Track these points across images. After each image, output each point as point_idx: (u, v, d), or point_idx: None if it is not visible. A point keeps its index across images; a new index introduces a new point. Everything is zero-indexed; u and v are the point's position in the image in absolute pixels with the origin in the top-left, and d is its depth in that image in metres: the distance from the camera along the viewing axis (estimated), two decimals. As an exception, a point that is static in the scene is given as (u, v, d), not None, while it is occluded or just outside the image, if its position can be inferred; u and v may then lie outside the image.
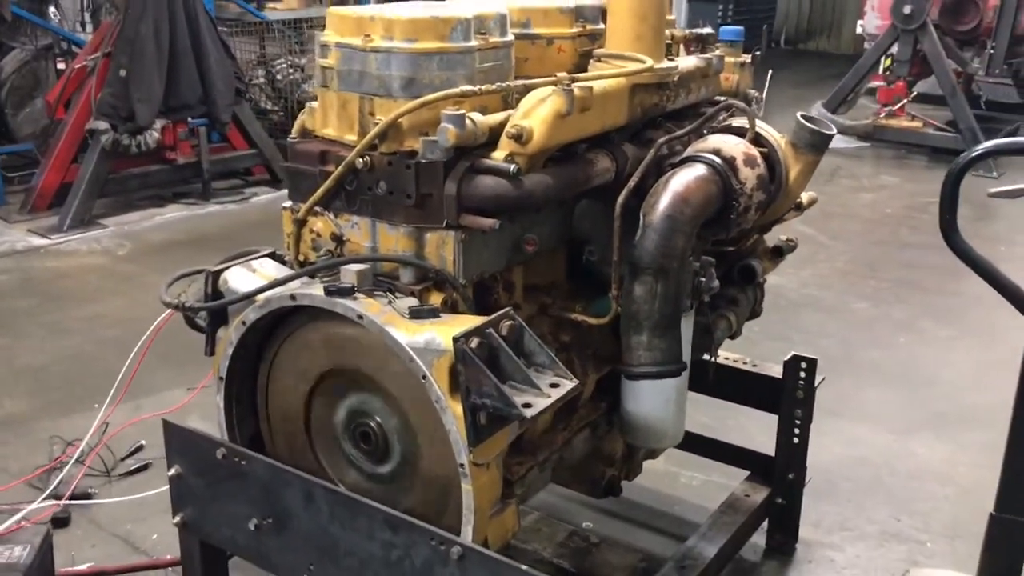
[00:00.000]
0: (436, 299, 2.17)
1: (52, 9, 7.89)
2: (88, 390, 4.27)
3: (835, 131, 2.46)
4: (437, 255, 2.16)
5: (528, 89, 2.17)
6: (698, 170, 2.29)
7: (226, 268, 2.31)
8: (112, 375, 2.93)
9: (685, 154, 2.39)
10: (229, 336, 2.28)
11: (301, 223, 2.29)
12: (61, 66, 7.63)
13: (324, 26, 2.24)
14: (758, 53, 3.13)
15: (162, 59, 6.57)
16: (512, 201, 2.09)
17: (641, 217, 2.22)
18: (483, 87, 2.10)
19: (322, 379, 2.28)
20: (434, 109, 2.07)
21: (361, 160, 2.13)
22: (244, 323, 2.24)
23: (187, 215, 7.06)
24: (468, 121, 2.05)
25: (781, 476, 3.24)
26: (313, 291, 2.13)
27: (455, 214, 2.10)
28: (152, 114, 6.63)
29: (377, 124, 2.09)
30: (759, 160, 2.37)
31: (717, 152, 2.34)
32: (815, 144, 2.44)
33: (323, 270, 2.18)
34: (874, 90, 9.56)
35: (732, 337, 2.89)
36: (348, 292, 2.08)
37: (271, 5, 8.61)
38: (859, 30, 9.91)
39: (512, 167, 2.07)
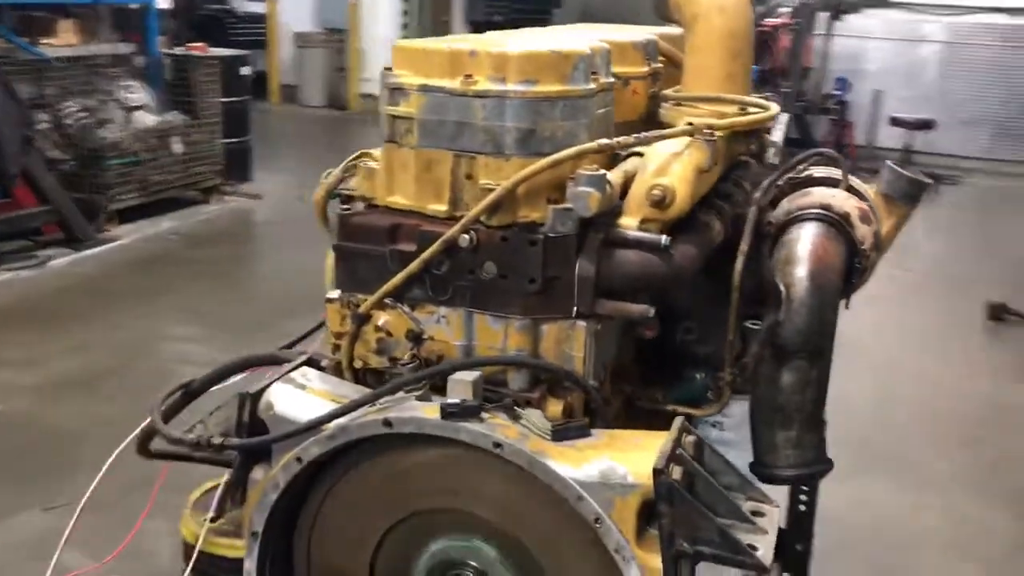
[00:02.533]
0: (555, 408, 1.70)
1: None
2: None
3: (931, 180, 2.22)
4: (557, 352, 1.69)
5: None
6: (821, 230, 1.97)
7: (265, 387, 1.71)
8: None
9: (787, 210, 2.05)
10: (273, 478, 1.68)
11: (363, 319, 1.74)
12: None
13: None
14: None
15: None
16: (661, 280, 1.68)
17: (783, 290, 1.86)
18: (620, 140, 1.67)
19: (396, 526, 1.74)
20: (558, 169, 1.62)
21: (466, 236, 1.63)
22: (300, 460, 1.66)
23: (-31, 288, 5.96)
24: (607, 184, 1.62)
25: (789, 548, 2.98)
26: (414, 412, 1.60)
27: (590, 300, 1.65)
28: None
29: (490, 190, 1.61)
30: (871, 215, 2.08)
31: (829, 208, 2.03)
32: (912, 195, 2.18)
33: (417, 382, 1.66)
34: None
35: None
36: (474, 412, 1.57)
37: (46, 41, 7.53)
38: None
39: (663, 239, 1.66)
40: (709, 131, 1.74)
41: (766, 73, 9.60)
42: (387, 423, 1.60)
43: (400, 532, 1.75)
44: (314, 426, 1.62)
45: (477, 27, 15.06)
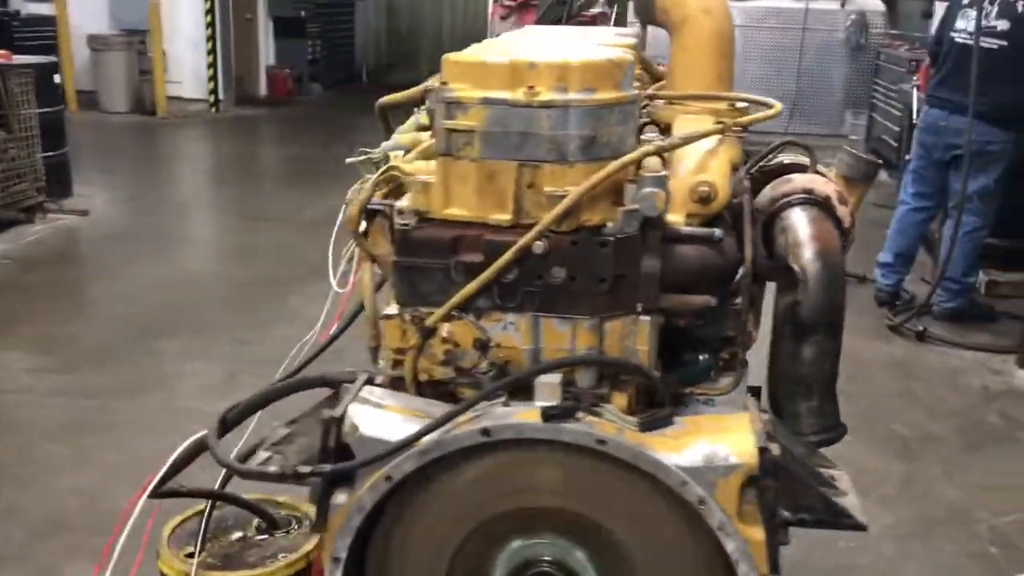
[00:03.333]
0: (621, 401, 1.78)
1: None
2: None
3: (881, 161, 2.44)
4: (620, 347, 1.77)
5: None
6: (813, 213, 2.13)
7: (344, 410, 1.68)
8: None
9: (772, 197, 2.21)
10: (358, 499, 1.67)
11: (430, 332, 1.75)
12: None
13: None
14: None
15: None
16: (718, 271, 1.79)
17: (797, 271, 2.01)
18: (671, 141, 1.76)
19: (476, 531, 1.77)
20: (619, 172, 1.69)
21: (540, 243, 1.68)
22: (390, 478, 1.65)
23: None
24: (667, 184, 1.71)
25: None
26: (510, 419, 1.63)
27: (655, 296, 1.73)
28: None
29: (559, 196, 1.66)
30: (846, 196, 2.27)
31: (812, 192, 2.20)
32: (869, 175, 2.39)
33: (503, 389, 1.69)
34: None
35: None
36: (571, 413, 1.62)
37: None
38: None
39: (716, 232, 1.77)
40: (739, 128, 1.86)
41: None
42: (485, 432, 1.63)
43: (479, 537, 1.77)
44: (410, 443, 1.63)
45: (281, 22, 14.71)
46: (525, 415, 1.64)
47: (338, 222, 2.09)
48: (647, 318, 1.75)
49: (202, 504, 2.31)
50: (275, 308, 6.06)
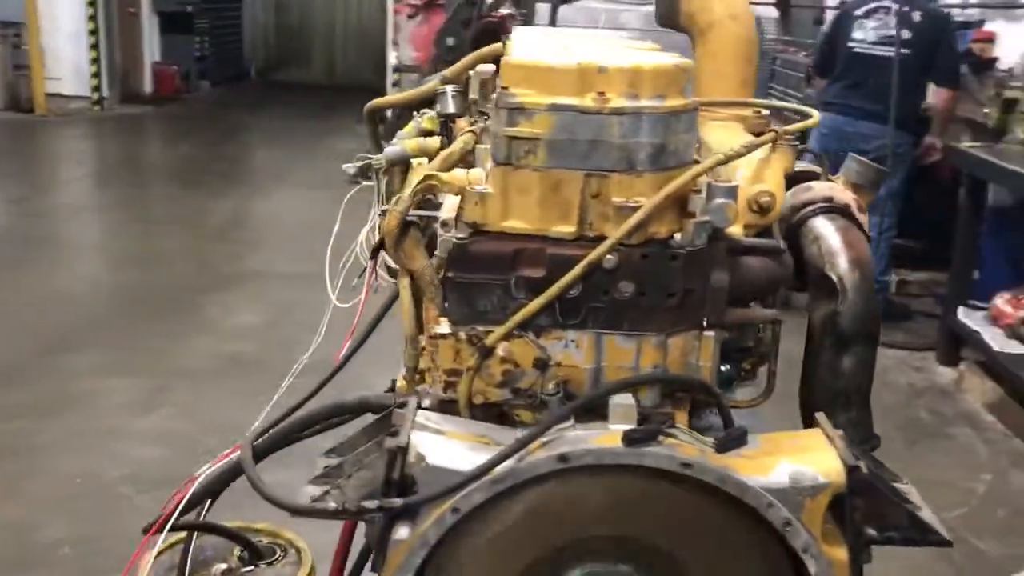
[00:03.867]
0: (683, 419, 1.72)
1: None
2: None
3: (886, 168, 2.45)
4: (682, 364, 1.70)
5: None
6: (840, 221, 2.11)
7: (408, 438, 1.55)
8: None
9: (793, 205, 2.18)
10: (423, 535, 1.55)
11: (488, 352, 1.64)
12: None
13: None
14: None
15: None
16: (781, 282, 1.75)
17: (836, 281, 1.99)
18: (735, 150, 1.70)
19: (536, 561, 1.66)
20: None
21: (611, 257, 1.59)
22: (457, 510, 1.54)
23: None
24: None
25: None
26: (589, 444, 1.54)
27: (721, 309, 1.67)
28: None
29: (631, 208, 1.58)
30: (863, 204, 2.27)
31: (832, 200, 2.18)
32: (876, 182, 2.40)
33: (575, 411, 1.59)
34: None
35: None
36: (654, 436, 1.54)
37: None
38: (393, 61, 10.11)
39: (780, 243, 1.72)
40: (790, 136, 1.81)
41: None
42: (563, 459, 1.53)
43: (539, 566, 1.68)
44: (484, 472, 1.52)
45: (167, 16, 14.12)
46: (603, 439, 1.55)
47: (361, 237, 1.96)
48: (711, 333, 1.69)
49: (177, 536, 2.14)
50: (191, 318, 5.80)
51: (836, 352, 1.98)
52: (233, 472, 1.77)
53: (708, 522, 1.61)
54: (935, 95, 6.14)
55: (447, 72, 2.40)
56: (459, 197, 1.69)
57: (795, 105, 2.13)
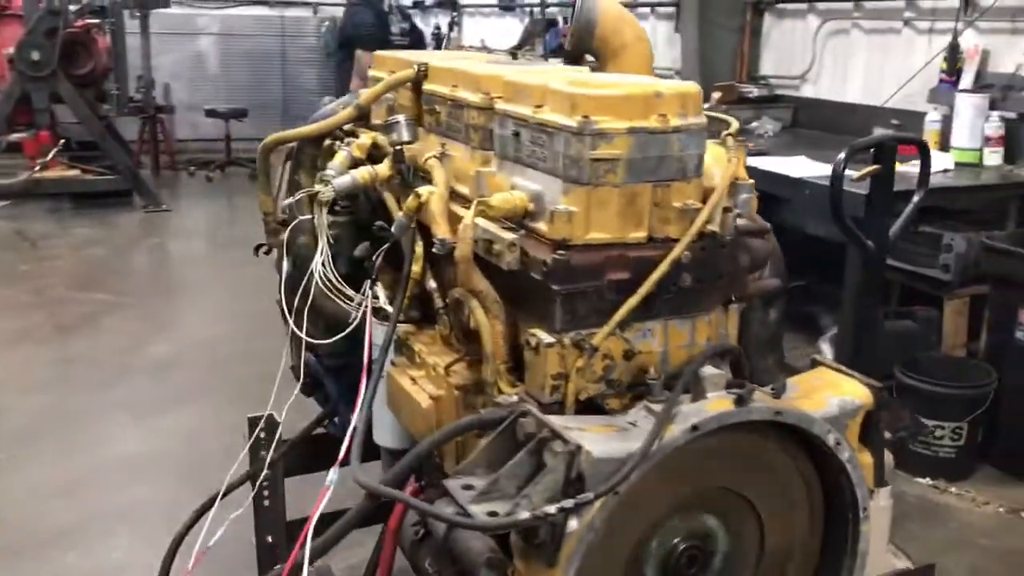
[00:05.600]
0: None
1: None
2: None
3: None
4: (715, 336, 2.04)
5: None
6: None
7: (575, 439, 1.70)
8: None
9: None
10: (590, 522, 1.72)
11: (593, 351, 1.84)
12: None
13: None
14: None
15: None
16: (769, 258, 2.13)
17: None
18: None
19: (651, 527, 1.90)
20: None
21: (688, 252, 1.87)
22: (616, 493, 1.73)
23: None
24: (748, 188, 2.02)
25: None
26: (708, 413, 1.81)
27: (745, 285, 2.04)
28: None
29: (695, 210, 1.88)
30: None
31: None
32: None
33: (683, 390, 1.85)
34: (17, 145, 8.76)
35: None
36: (751, 395, 1.86)
37: None
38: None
39: (767, 224, 2.11)
40: (741, 139, 2.21)
41: (87, 77, 9.15)
42: (695, 428, 1.79)
43: (653, 529, 1.91)
44: (644, 454, 1.72)
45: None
46: (717, 404, 1.83)
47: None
48: (735, 306, 2.04)
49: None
50: None
51: (763, 309, 2.43)
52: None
53: (767, 457, 1.96)
54: None
55: (361, 100, 2.47)
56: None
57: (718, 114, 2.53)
